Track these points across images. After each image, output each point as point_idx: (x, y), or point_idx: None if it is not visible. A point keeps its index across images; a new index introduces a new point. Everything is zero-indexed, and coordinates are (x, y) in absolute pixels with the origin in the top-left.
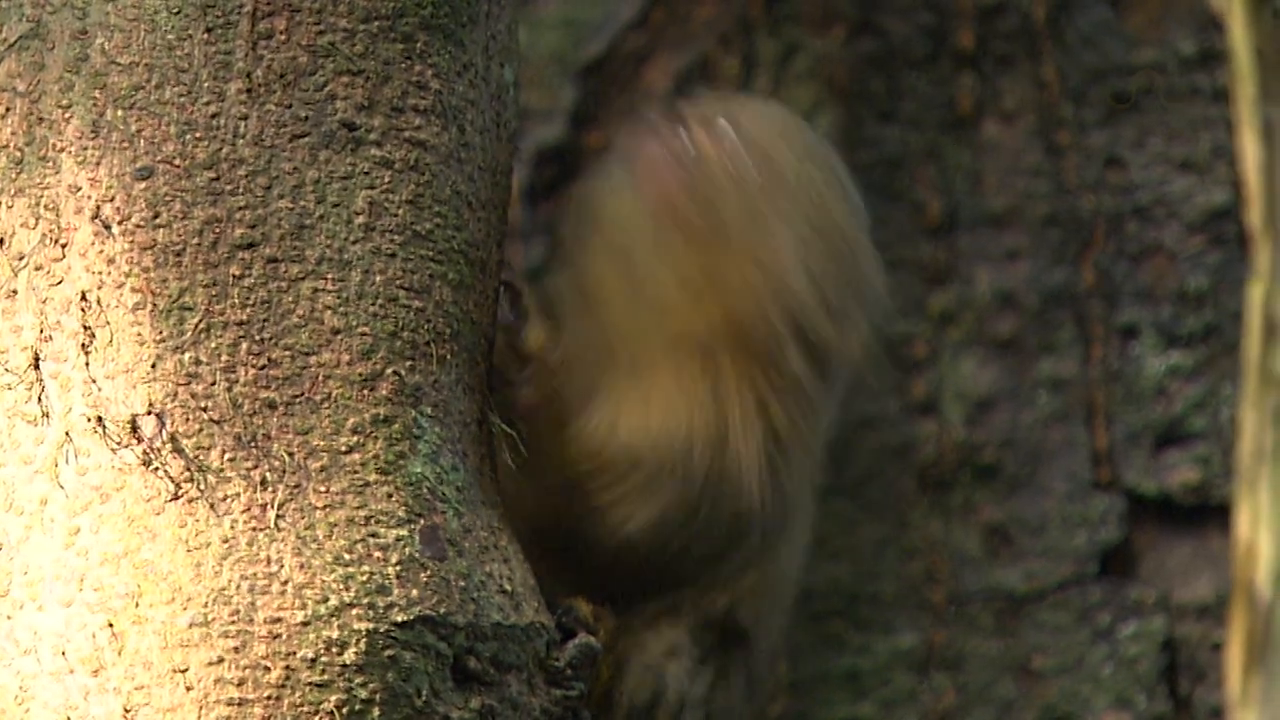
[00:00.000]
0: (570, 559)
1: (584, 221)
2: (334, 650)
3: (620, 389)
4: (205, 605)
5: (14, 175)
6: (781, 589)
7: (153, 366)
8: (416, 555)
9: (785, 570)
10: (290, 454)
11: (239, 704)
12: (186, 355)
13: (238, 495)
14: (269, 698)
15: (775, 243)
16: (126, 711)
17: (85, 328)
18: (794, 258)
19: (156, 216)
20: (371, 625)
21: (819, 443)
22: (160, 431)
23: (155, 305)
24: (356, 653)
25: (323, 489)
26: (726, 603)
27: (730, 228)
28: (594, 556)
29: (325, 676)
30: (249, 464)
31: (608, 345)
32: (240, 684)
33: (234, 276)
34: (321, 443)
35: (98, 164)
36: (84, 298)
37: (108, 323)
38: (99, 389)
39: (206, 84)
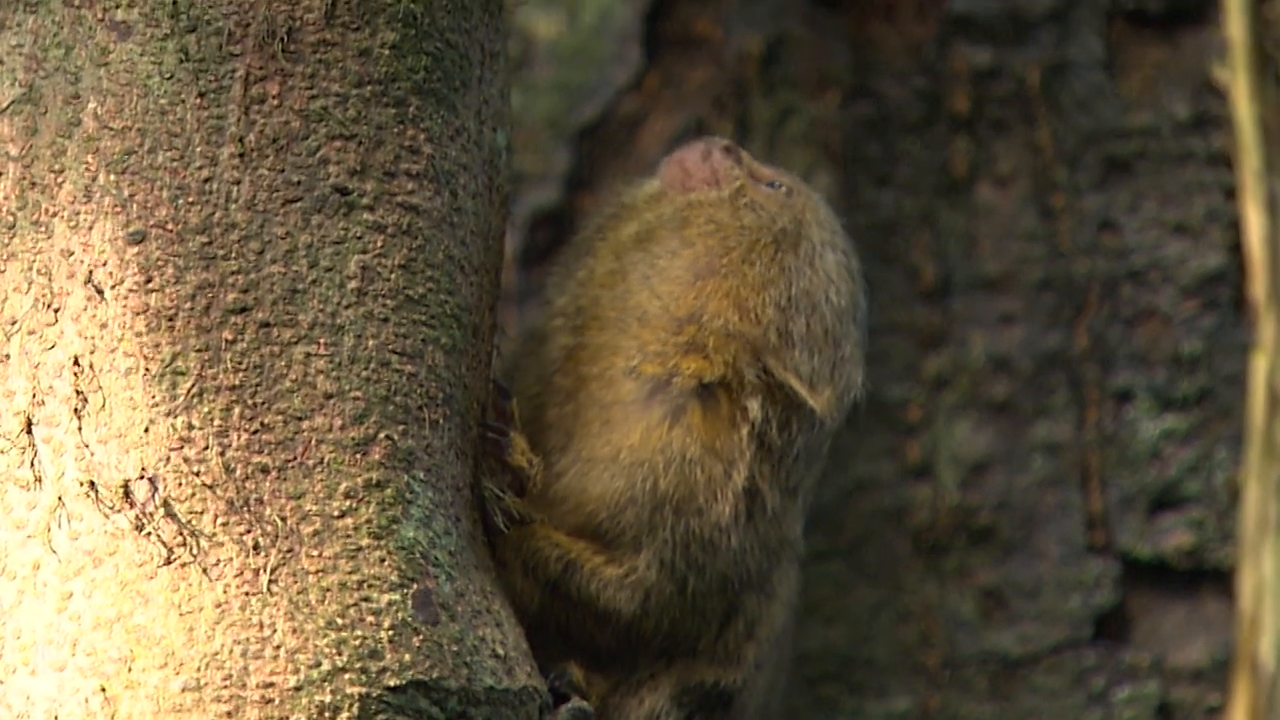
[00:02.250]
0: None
1: (604, 212)
2: (327, 715)
3: (592, 447)
4: (198, 670)
5: (6, 240)
6: (768, 650)
7: (145, 431)
8: (409, 620)
9: (772, 631)
10: (283, 518)
11: None
12: (179, 420)
13: (230, 560)
14: None
15: (762, 285)
16: None
17: (78, 392)
18: (774, 307)
19: (149, 281)
20: (364, 690)
21: (800, 505)
22: (153, 496)
23: (148, 370)
24: (349, 717)
25: (315, 553)
26: (714, 678)
27: (730, 251)
28: (594, 640)
29: None
30: (241, 528)
31: (585, 398)
32: None
33: (226, 341)
34: (314, 507)
35: (90, 228)
36: (76, 362)
37: (100, 387)
38: (92, 454)
39: (199, 148)
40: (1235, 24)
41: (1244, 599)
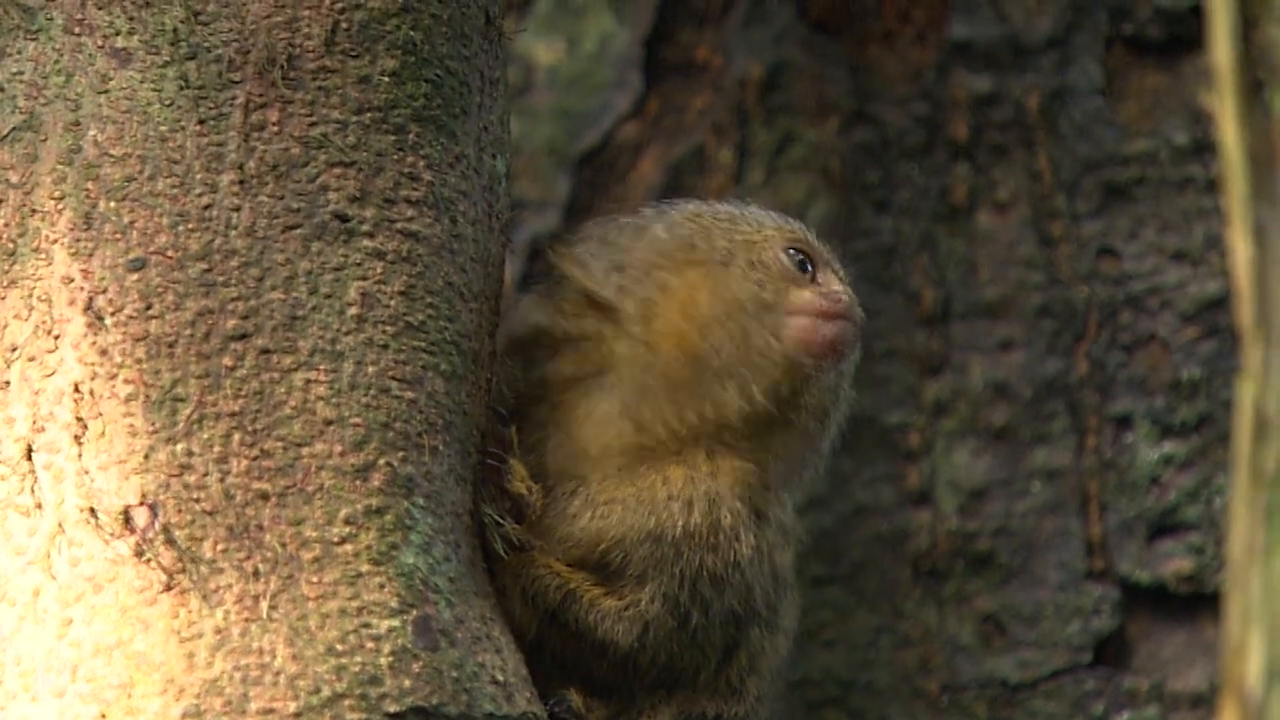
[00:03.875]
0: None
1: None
2: None
3: (612, 489)
4: (198, 696)
5: (7, 267)
6: (770, 681)
7: (145, 458)
8: (409, 646)
9: (775, 663)
10: (283, 545)
11: None
12: (179, 446)
13: (230, 586)
14: None
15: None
16: None
17: (78, 419)
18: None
19: (149, 308)
20: (364, 716)
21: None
22: (153, 522)
23: (148, 396)
24: None
25: (315, 579)
26: (716, 710)
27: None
28: (589, 670)
29: None
30: (241, 555)
31: (602, 446)
32: None
33: (226, 368)
34: (314, 533)
35: (90, 255)
36: (77, 389)
37: (100, 414)
38: (92, 480)
39: (199, 175)
40: (1221, 50)
41: (1231, 625)
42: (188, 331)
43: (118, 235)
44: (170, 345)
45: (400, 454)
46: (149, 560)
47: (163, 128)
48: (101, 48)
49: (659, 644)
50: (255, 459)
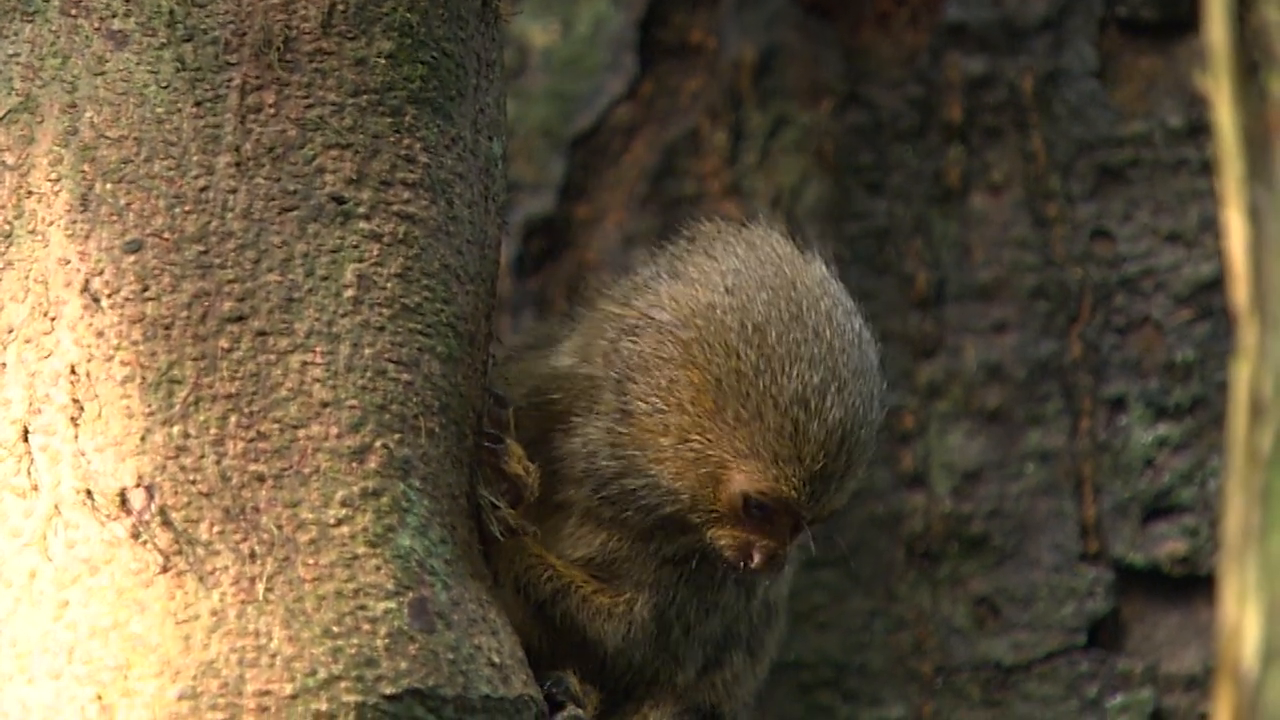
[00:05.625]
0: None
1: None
2: None
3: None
4: (194, 678)
5: (3, 249)
6: (746, 707)
7: (142, 439)
8: (405, 628)
9: (752, 688)
10: (279, 526)
11: None
12: (175, 428)
13: (226, 568)
14: None
15: None
16: None
17: (74, 400)
18: None
19: (145, 290)
20: (360, 698)
21: None
22: (149, 504)
23: (144, 378)
24: None
25: (311, 561)
26: (712, 701)
27: None
28: (569, 665)
29: None
30: (238, 536)
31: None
32: None
33: (223, 349)
34: (310, 515)
35: (87, 237)
36: (73, 371)
37: (96, 396)
38: (88, 462)
39: (195, 157)
40: (1216, 29)
41: (1227, 606)
42: (184, 313)
43: (114, 217)
44: (166, 327)
45: (397, 436)
46: (145, 542)
47: (159, 110)
48: (98, 29)
49: (636, 645)
50: (251, 441)
